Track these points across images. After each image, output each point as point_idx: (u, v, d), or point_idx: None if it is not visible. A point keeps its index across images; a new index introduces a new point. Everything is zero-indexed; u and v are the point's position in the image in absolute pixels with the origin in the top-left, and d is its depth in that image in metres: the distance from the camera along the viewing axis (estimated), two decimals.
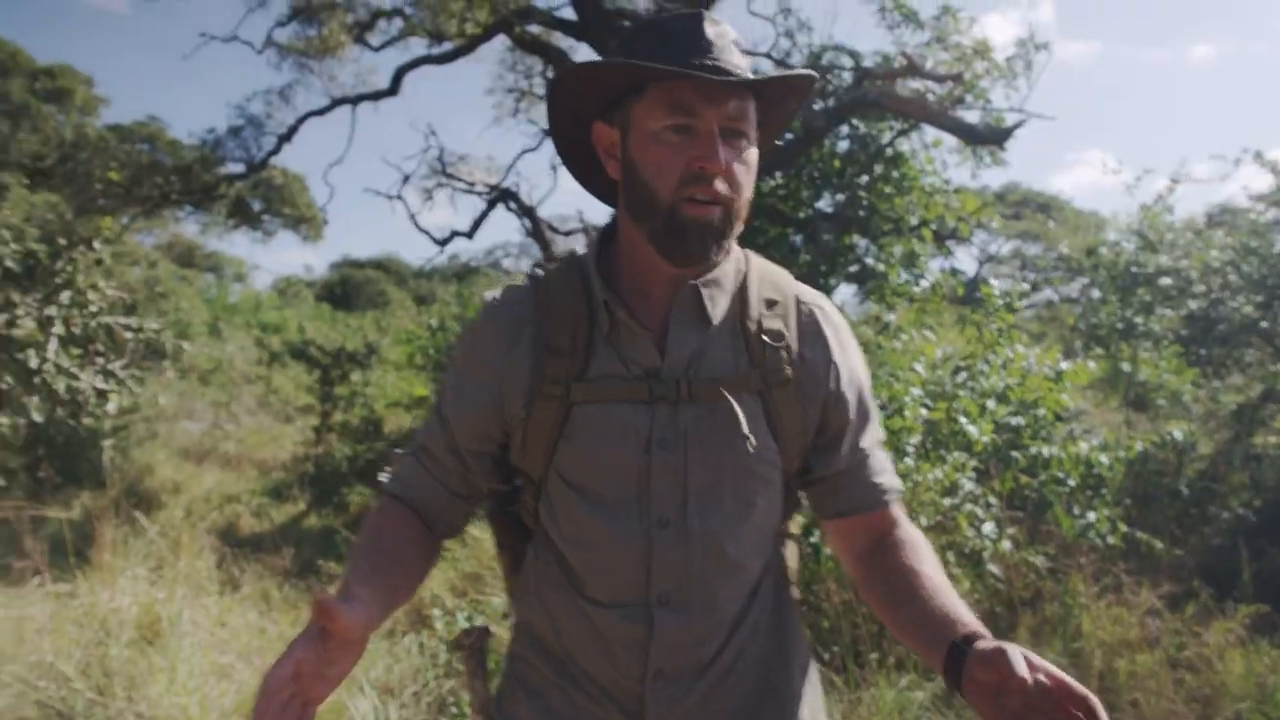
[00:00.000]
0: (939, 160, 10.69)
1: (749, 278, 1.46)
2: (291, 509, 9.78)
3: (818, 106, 10.64)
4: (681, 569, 1.39)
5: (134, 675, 4.23)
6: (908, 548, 1.44)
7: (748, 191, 1.37)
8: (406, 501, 1.52)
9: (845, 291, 12.30)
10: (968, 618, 1.26)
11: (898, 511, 1.52)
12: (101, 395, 4.97)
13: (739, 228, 1.38)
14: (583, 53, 12.18)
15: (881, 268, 11.25)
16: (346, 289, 33.27)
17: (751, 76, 1.33)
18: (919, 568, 1.39)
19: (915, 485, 4.65)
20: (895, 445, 4.83)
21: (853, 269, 11.82)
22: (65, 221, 10.88)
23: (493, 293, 1.53)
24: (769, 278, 1.48)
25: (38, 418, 4.78)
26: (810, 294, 1.50)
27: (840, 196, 11.40)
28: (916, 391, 5.09)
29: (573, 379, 1.40)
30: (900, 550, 1.44)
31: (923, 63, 10.01)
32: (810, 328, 1.46)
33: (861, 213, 10.96)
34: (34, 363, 4.64)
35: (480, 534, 6.03)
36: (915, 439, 4.79)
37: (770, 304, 1.44)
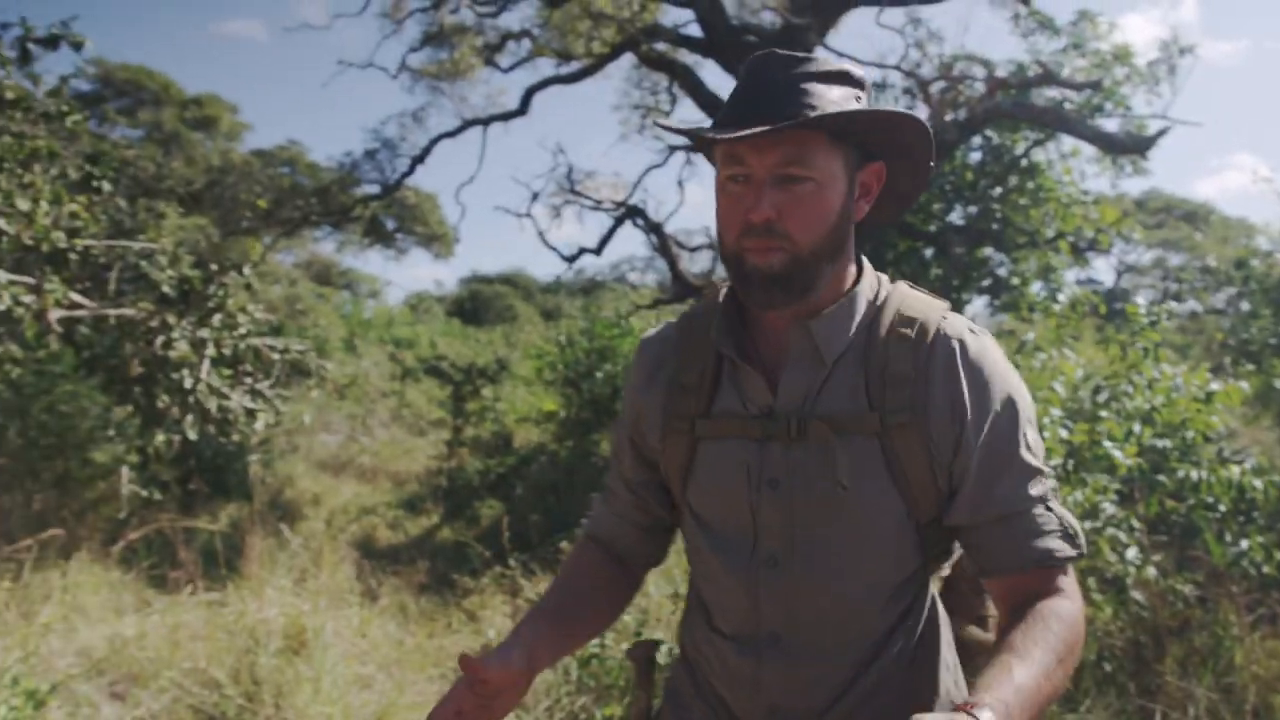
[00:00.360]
0: (1076, 170, 10.39)
1: (883, 311, 1.40)
2: (425, 521, 10.03)
3: (949, 118, 10.46)
4: (787, 609, 1.38)
5: (281, 684, 4.39)
6: (1029, 619, 1.27)
7: (814, 234, 1.32)
8: (596, 540, 1.59)
9: (978, 304, 12.04)
10: (988, 688, 1.13)
11: (1060, 582, 1.33)
12: (250, 414, 5.20)
13: (818, 267, 1.34)
14: (709, 69, 12.21)
15: (1016, 281, 10.98)
16: (476, 304, 33.94)
17: (792, 119, 1.27)
18: (1013, 639, 1.24)
19: None
20: None
21: (985, 283, 11.57)
22: (214, 244, 11.44)
23: (648, 331, 1.58)
24: (907, 310, 1.40)
25: (192, 435, 5.03)
26: (956, 327, 1.39)
27: (972, 209, 11.18)
28: (1056, 412, 4.95)
29: (698, 415, 1.42)
30: (1022, 622, 1.27)
31: (1059, 70, 9.75)
32: (945, 364, 1.35)
33: (995, 225, 10.73)
34: (188, 383, 4.89)
35: None
36: (1055, 461, 4.65)
37: (901, 339, 1.37)
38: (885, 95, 11.27)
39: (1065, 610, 1.29)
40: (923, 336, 1.36)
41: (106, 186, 4.71)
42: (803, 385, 1.38)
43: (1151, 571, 4.39)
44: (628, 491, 1.56)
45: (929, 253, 11.13)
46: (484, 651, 1.28)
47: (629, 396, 1.55)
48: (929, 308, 1.41)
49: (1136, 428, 4.69)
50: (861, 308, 1.40)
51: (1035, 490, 1.34)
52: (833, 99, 1.31)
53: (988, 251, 11.21)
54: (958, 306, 9.07)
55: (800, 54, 1.34)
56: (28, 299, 4.42)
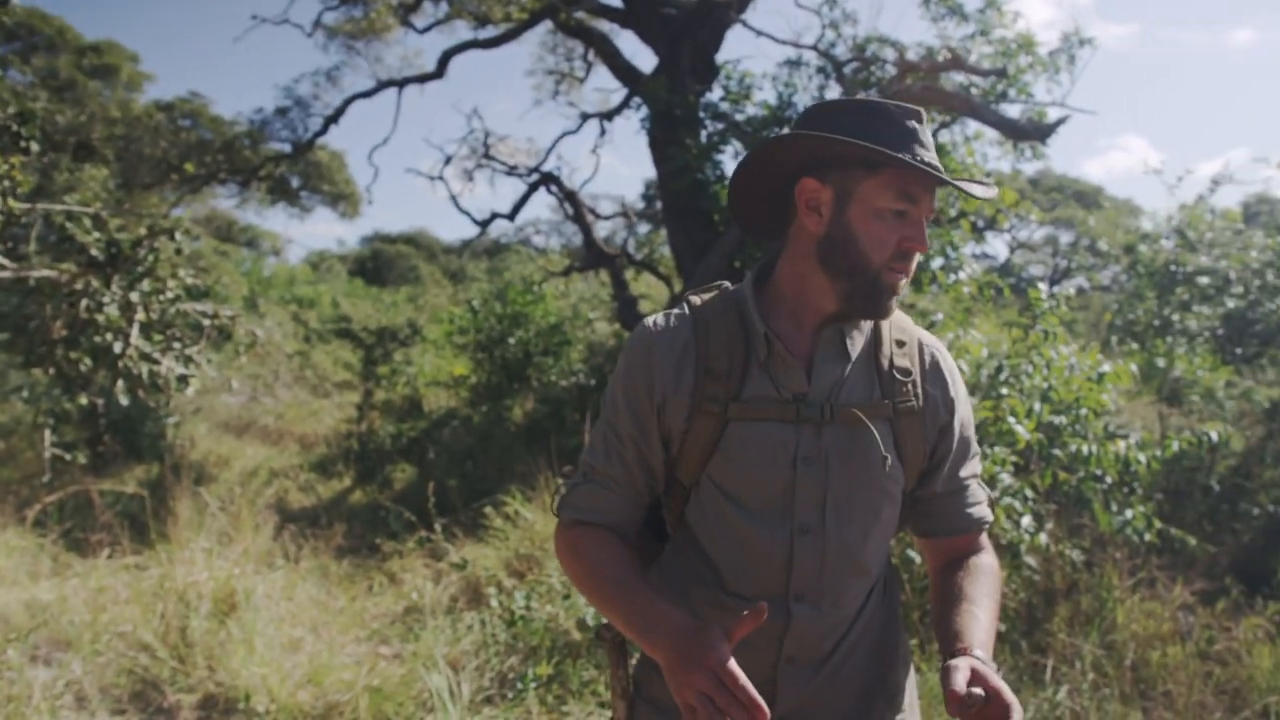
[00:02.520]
0: (979, 152, 10.74)
1: (881, 322, 1.67)
2: (337, 485, 10.01)
3: (860, 96, 10.71)
4: (817, 570, 1.59)
5: (213, 646, 4.45)
6: (970, 571, 1.66)
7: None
8: (606, 526, 1.68)
9: None
10: (970, 635, 1.49)
11: (981, 539, 1.73)
12: (183, 379, 5.18)
13: None
14: (626, 39, 12.27)
15: (920, 258, 11.34)
16: (378, 263, 33.48)
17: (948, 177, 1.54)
18: (965, 588, 1.62)
19: None
20: None
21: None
22: (118, 200, 11.11)
23: (653, 319, 1.70)
24: (897, 321, 1.69)
25: (124, 400, 5.00)
26: (930, 337, 1.71)
27: None
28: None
29: (730, 399, 1.59)
30: (962, 571, 1.67)
31: (966, 56, 10.06)
32: (933, 367, 1.68)
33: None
34: (117, 347, 4.86)
35: (531, 515, 6.23)
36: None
37: (900, 344, 1.66)
38: (800, 73, 11.49)
39: (993, 564, 1.70)
40: (913, 342, 1.68)
41: (35, 146, 4.64)
42: (831, 376, 1.61)
43: (1043, 538, 4.71)
44: (642, 474, 1.67)
45: None
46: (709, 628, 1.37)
47: (646, 382, 1.63)
48: (907, 319, 1.73)
49: (1037, 406, 5.01)
50: None
51: (978, 468, 1.74)
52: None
53: None
54: None
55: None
56: None
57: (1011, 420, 4.81)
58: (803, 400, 1.58)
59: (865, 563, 1.63)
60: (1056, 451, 5.14)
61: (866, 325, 1.66)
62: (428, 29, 12.65)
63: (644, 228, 16.15)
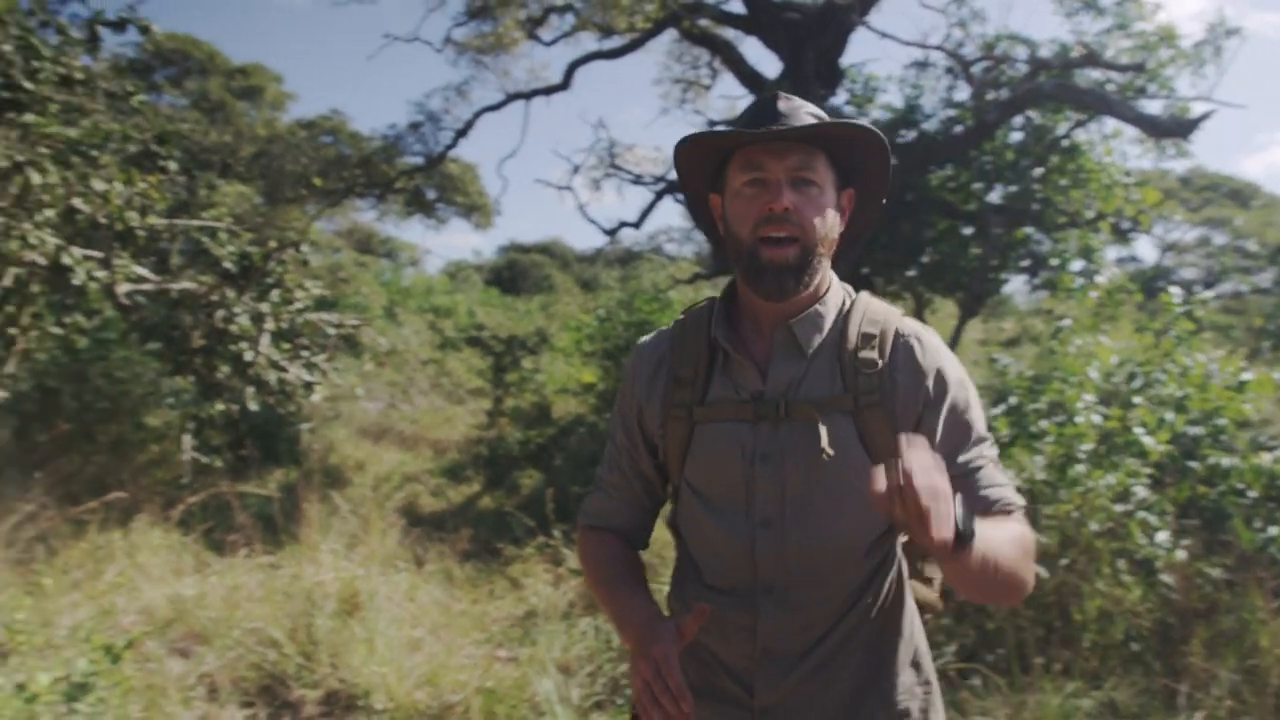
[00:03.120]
0: (1118, 151, 10.34)
1: (851, 314, 1.66)
2: (467, 490, 10.24)
3: (990, 97, 10.44)
4: (781, 563, 1.61)
5: (337, 645, 4.60)
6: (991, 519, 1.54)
7: (821, 230, 1.60)
8: (609, 529, 1.84)
9: (1016, 283, 12.03)
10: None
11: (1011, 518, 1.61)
12: (308, 386, 5.39)
13: (819, 263, 1.62)
14: (750, 45, 12.26)
15: (1055, 261, 10.98)
16: (513, 273, 34.09)
17: (809, 128, 1.57)
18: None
19: (1087, 491, 4.62)
20: (1066, 451, 4.80)
21: (1024, 262, 11.58)
22: (262, 215, 11.62)
23: (646, 337, 1.84)
24: (871, 314, 1.66)
25: (253, 406, 5.23)
26: (910, 326, 1.66)
27: (1013, 189, 11.17)
28: (1089, 398, 5.03)
29: (695, 403, 1.67)
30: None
31: (1102, 51, 9.70)
32: (904, 355, 1.62)
33: (1035, 205, 10.71)
34: (248, 356, 5.08)
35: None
36: (1087, 446, 4.74)
37: (868, 336, 1.62)
38: (927, 75, 11.27)
39: (1020, 525, 1.58)
40: (885, 333, 1.63)
41: (173, 165, 4.90)
42: (787, 374, 1.63)
43: (1181, 555, 4.48)
44: (636, 480, 1.81)
45: (968, 232, 11.14)
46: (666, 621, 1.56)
47: (629, 395, 1.79)
48: (889, 312, 1.68)
49: (1169, 416, 4.77)
50: (832, 312, 1.67)
51: (988, 453, 1.63)
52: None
53: (1027, 231, 11.21)
54: (995, 285, 9.11)
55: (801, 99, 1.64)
56: (100, 274, 4.61)
57: (1139, 431, 4.59)
58: (760, 399, 1.63)
59: (838, 557, 1.62)
60: (1194, 464, 4.90)
61: (826, 320, 1.66)
62: (554, 42, 12.85)
63: None
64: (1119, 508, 4.58)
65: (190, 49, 18.17)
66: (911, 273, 11.25)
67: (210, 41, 19.54)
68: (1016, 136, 10.92)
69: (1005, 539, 1.49)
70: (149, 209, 4.69)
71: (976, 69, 10.48)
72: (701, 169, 1.71)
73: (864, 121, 1.63)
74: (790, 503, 1.60)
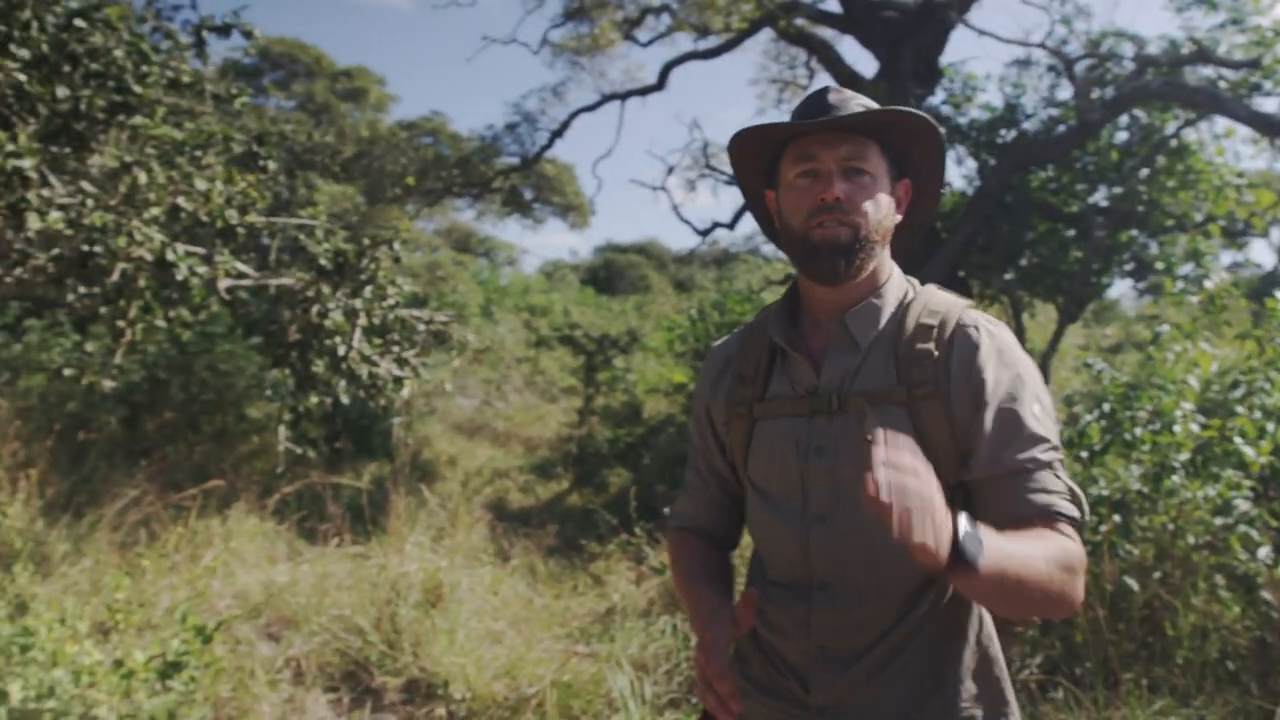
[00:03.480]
0: (1230, 151, 9.99)
1: (911, 305, 1.64)
2: (555, 487, 10.36)
3: (1095, 95, 10.18)
4: (835, 558, 1.60)
5: (419, 634, 4.70)
6: (1028, 530, 1.48)
7: (874, 216, 1.59)
8: (694, 531, 1.87)
9: (1122, 287, 11.69)
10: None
11: (1054, 530, 1.51)
12: (398, 381, 5.52)
13: (873, 249, 1.60)
14: (847, 45, 12.16)
15: (1161, 265, 10.66)
16: (610, 273, 34.35)
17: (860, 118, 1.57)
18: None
19: (1183, 503, 4.48)
20: (1161, 460, 4.67)
21: (1129, 266, 11.25)
22: (363, 214, 11.93)
23: (718, 341, 1.88)
24: (932, 305, 1.63)
25: (345, 399, 5.38)
26: (972, 318, 1.60)
27: (1117, 190, 10.87)
28: (1188, 405, 4.88)
29: (755, 400, 1.70)
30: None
31: (1214, 48, 9.38)
32: (961, 346, 1.57)
33: (1140, 207, 10.41)
34: (341, 350, 5.22)
35: None
36: (1183, 456, 4.60)
37: (925, 328, 1.60)
38: (1029, 73, 11.03)
39: (1064, 539, 1.49)
40: (945, 326, 1.60)
41: (272, 165, 5.08)
42: (842, 368, 1.62)
43: None
44: (712, 479, 1.84)
45: (1069, 234, 10.87)
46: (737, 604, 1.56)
47: (700, 395, 1.83)
48: (952, 304, 1.64)
49: (1271, 426, 4.60)
50: (891, 303, 1.66)
51: (1043, 456, 1.54)
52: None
53: (1132, 234, 10.89)
54: (1098, 290, 8.88)
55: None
56: (201, 270, 4.79)
57: (1240, 442, 4.44)
58: (814, 394, 1.63)
59: (894, 557, 1.52)
60: None
61: (884, 313, 1.65)
62: (650, 42, 12.94)
63: None
64: (1219, 520, 4.43)
65: (297, 53, 18.72)
66: (1009, 276, 11.02)
67: (316, 45, 20.21)
68: (1122, 136, 10.63)
69: (1036, 555, 1.42)
70: (248, 207, 4.86)
71: (1080, 67, 10.22)
72: (756, 165, 1.72)
73: (915, 110, 1.60)
74: (844, 497, 1.58)
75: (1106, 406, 5.03)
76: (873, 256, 1.61)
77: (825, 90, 1.64)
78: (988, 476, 1.54)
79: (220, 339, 9.03)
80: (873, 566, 1.58)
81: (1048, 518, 1.51)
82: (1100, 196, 10.87)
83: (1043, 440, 1.54)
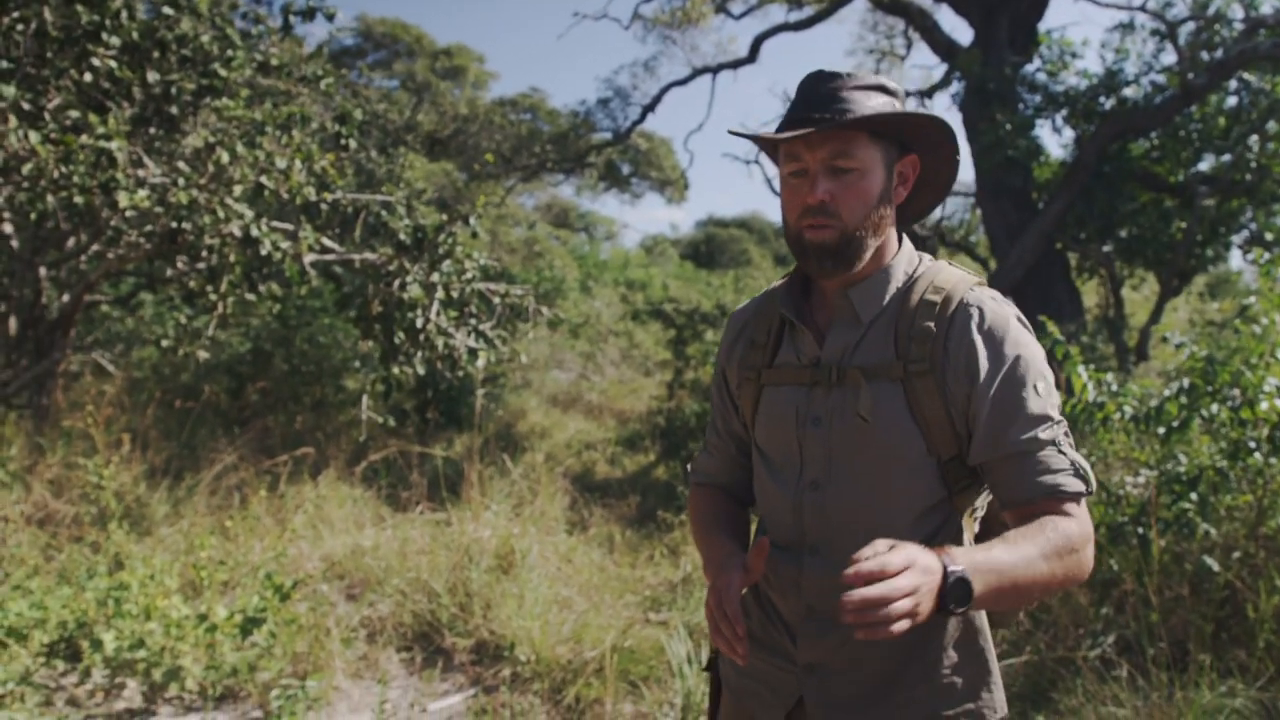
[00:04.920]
0: None
1: (917, 281, 1.68)
2: (642, 459, 10.46)
3: (1203, 57, 9.82)
4: (826, 524, 1.66)
5: (490, 598, 4.86)
6: (1029, 524, 1.51)
7: (862, 212, 1.61)
8: (712, 485, 1.94)
9: (1234, 260, 11.28)
10: (956, 551, 1.40)
11: (1061, 510, 1.54)
12: (472, 353, 5.68)
13: (864, 242, 1.63)
14: (943, 14, 11.92)
15: (1270, 235, 10.26)
16: (710, 247, 34.29)
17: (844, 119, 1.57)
18: (1005, 534, 1.51)
19: (1269, 481, 4.37)
20: (1239, 437, 4.55)
21: (1235, 237, 10.86)
22: (458, 189, 12.18)
23: (739, 305, 1.93)
24: (938, 281, 1.66)
25: (421, 370, 5.56)
26: (977, 295, 1.63)
27: (1224, 158, 10.48)
28: (1275, 381, 4.72)
29: (763, 366, 1.77)
30: (1020, 525, 1.53)
31: None
32: (961, 324, 1.60)
33: (1249, 176, 10.02)
34: (420, 322, 5.39)
35: None
36: (1264, 432, 4.46)
37: (929, 304, 1.63)
38: (1132, 38, 10.67)
39: (1065, 524, 1.52)
40: (948, 302, 1.62)
41: (353, 144, 5.26)
42: (843, 341, 1.67)
43: None
44: (730, 440, 1.91)
45: (1172, 205, 10.53)
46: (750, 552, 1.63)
47: (719, 359, 1.90)
48: (960, 279, 1.67)
49: None
50: (898, 278, 1.69)
51: (1045, 434, 1.56)
52: (871, 105, 1.60)
53: (1242, 203, 10.50)
54: (1203, 263, 8.59)
55: (843, 71, 1.64)
56: (285, 245, 5.00)
57: None
58: (816, 365, 1.68)
59: (883, 523, 1.60)
60: None
61: (889, 288, 1.68)
62: (743, 15, 12.89)
63: (958, 207, 15.60)
64: None
65: (399, 33, 19.11)
66: (1108, 248, 10.73)
67: (417, 25, 20.55)
68: (1230, 102, 10.24)
69: (1033, 557, 1.47)
70: (326, 185, 5.05)
71: (1185, 30, 9.86)
72: (772, 153, 1.77)
73: (877, 107, 1.59)
74: (835, 466, 1.64)
75: (1185, 382, 4.89)
76: (865, 248, 1.63)
77: (815, 78, 1.64)
78: (990, 459, 1.58)
79: (320, 313, 9.36)
80: (859, 533, 1.61)
81: (1052, 498, 1.54)
82: (1206, 165, 10.50)
83: (1043, 419, 1.56)
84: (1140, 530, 4.48)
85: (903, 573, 1.29)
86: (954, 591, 1.35)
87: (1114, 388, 4.88)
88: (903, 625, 1.28)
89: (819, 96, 1.61)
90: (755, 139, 1.68)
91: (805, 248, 1.63)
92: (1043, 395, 1.57)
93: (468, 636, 4.69)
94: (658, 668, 4.40)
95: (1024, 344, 1.60)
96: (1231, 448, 4.56)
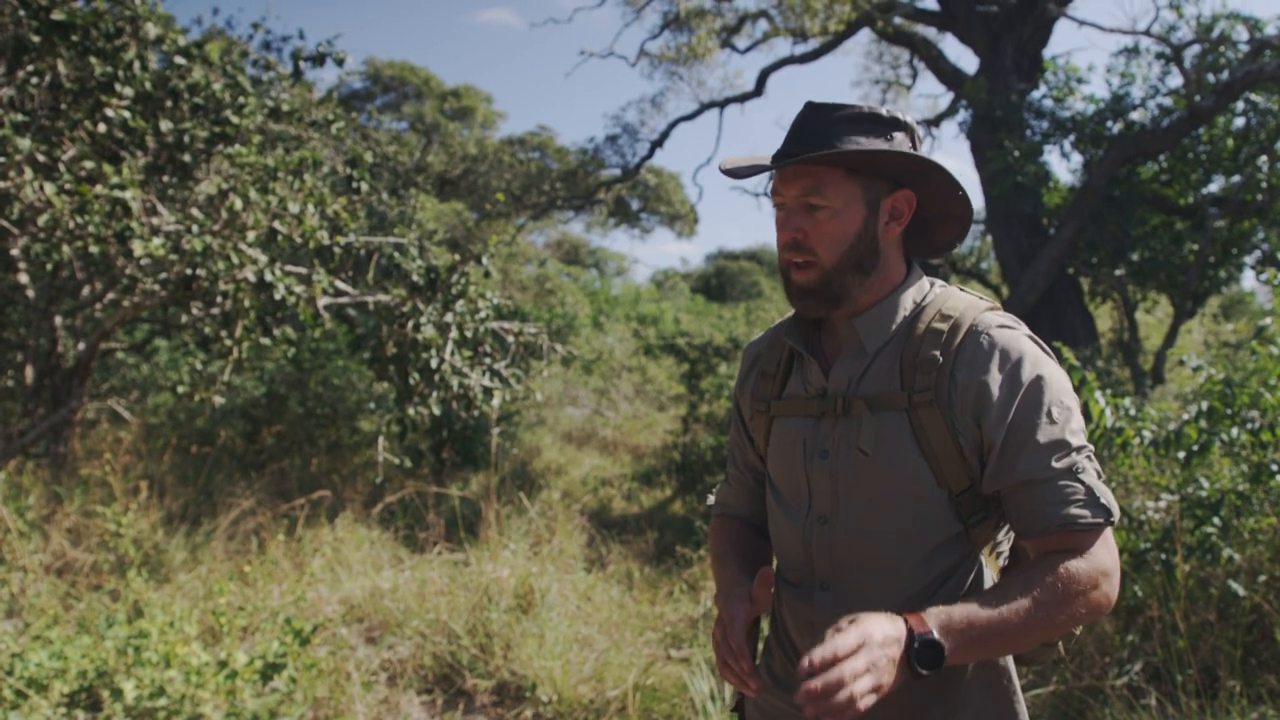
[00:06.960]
0: None
1: (925, 309, 1.62)
2: (659, 494, 10.43)
3: (1210, 79, 9.84)
4: (834, 559, 1.63)
5: (510, 638, 4.83)
6: (1027, 566, 1.49)
7: (838, 250, 1.58)
8: (734, 516, 1.93)
9: (1247, 281, 11.26)
10: (933, 610, 1.39)
11: (1077, 542, 1.48)
12: (488, 392, 5.68)
13: (844, 281, 1.60)
14: (948, 43, 11.98)
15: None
16: (721, 280, 34.28)
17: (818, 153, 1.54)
18: (1001, 579, 1.53)
19: None
20: (1259, 460, 4.51)
21: (1248, 258, 10.83)
22: (469, 228, 12.24)
23: (754, 337, 1.93)
24: (947, 308, 1.60)
25: (436, 410, 5.56)
26: (987, 321, 1.56)
27: (1234, 179, 10.48)
28: None
29: (773, 397, 1.76)
30: (1018, 567, 1.54)
31: None
32: (969, 352, 1.53)
33: (1259, 196, 10.02)
34: (434, 363, 5.40)
35: None
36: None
37: (936, 333, 1.57)
38: (1139, 61, 10.71)
39: (1070, 564, 1.45)
40: (956, 329, 1.57)
41: (364, 187, 5.30)
42: (849, 371, 1.64)
43: None
44: (747, 471, 1.89)
45: (1183, 227, 10.50)
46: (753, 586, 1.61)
47: (735, 389, 1.88)
48: (969, 305, 1.60)
49: None
50: (905, 307, 1.64)
51: (1060, 463, 1.48)
52: (856, 140, 1.56)
53: (1254, 224, 10.48)
54: (1216, 284, 8.55)
55: (841, 103, 1.60)
56: (299, 289, 5.02)
57: None
58: (823, 396, 1.66)
59: (893, 558, 1.57)
60: None
61: (895, 317, 1.63)
62: (749, 49, 12.98)
63: (968, 234, 15.62)
64: None
65: (407, 75, 19.32)
66: (1120, 271, 10.71)
67: (425, 67, 20.78)
68: (1238, 123, 10.24)
69: (1021, 607, 1.41)
70: (339, 228, 5.08)
71: (1190, 53, 9.89)
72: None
73: (862, 143, 1.55)
74: (843, 500, 1.61)
75: (1204, 405, 4.86)
76: (849, 286, 1.60)
77: (806, 109, 1.62)
78: (1002, 489, 1.52)
79: (334, 356, 9.40)
80: (868, 569, 1.59)
81: (1067, 530, 1.48)
82: (1216, 186, 10.49)
83: (1057, 445, 1.49)
84: (1164, 556, 4.44)
85: (857, 651, 1.27)
86: (921, 655, 1.33)
87: (1132, 412, 4.86)
88: (867, 702, 1.26)
89: (804, 131, 1.59)
90: (732, 174, 1.68)
91: (791, 287, 1.63)
92: (1058, 421, 1.50)
93: (489, 678, 4.66)
94: (680, 705, 4.36)
95: (1038, 368, 1.52)
96: (1253, 470, 4.52)
